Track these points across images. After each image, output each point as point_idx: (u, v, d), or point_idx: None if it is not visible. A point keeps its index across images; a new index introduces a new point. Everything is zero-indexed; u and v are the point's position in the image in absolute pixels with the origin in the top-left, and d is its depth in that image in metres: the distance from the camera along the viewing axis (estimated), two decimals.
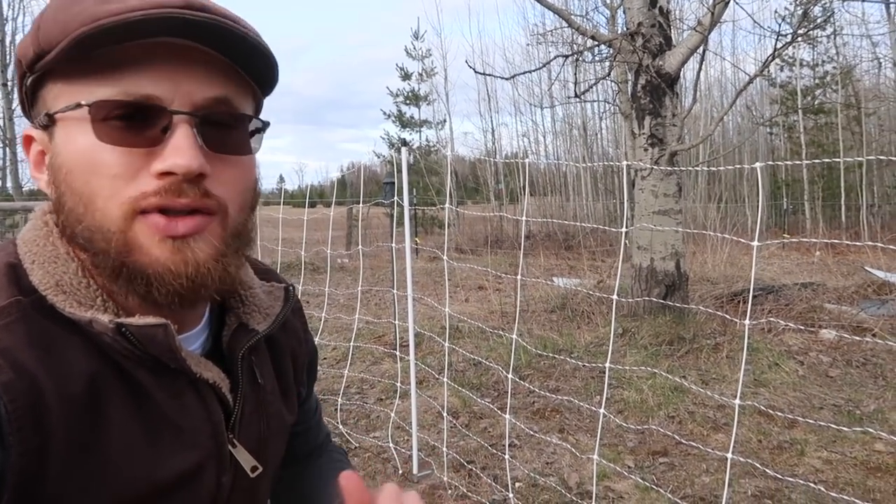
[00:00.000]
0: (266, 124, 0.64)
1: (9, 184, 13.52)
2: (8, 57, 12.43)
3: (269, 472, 0.74)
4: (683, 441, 3.10)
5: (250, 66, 0.60)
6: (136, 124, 0.54)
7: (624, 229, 2.25)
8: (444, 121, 21.35)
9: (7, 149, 13.10)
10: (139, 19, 0.51)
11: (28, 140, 0.62)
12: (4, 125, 12.56)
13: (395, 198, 3.43)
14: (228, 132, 0.59)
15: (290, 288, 0.76)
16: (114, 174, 0.54)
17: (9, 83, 12.37)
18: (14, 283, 0.56)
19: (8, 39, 12.47)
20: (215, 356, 0.67)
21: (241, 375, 0.68)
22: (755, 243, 1.93)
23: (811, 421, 2.70)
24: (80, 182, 0.55)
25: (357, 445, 3.55)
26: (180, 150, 0.54)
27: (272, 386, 0.74)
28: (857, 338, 4.77)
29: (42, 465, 0.51)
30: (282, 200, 5.11)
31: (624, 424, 3.53)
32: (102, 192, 0.54)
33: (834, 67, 19.10)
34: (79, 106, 0.53)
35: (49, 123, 0.57)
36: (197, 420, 0.62)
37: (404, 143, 3.35)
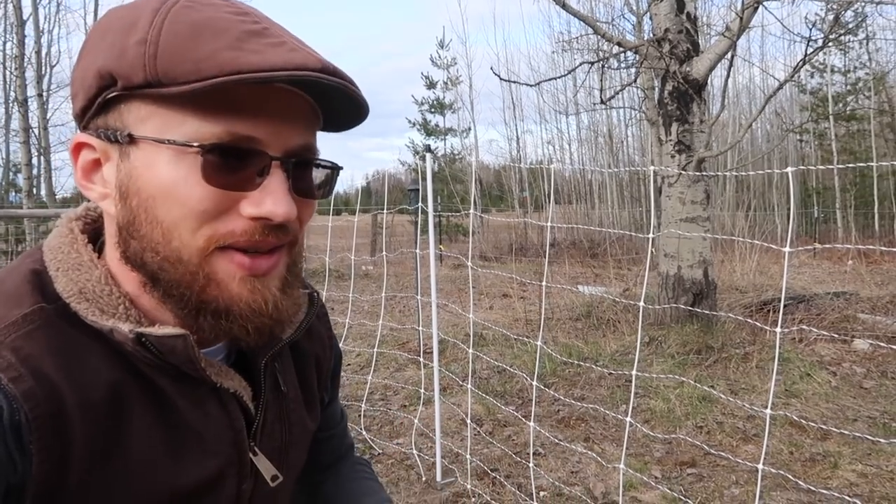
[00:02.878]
0: (340, 169, 0.65)
1: (42, 191, 13.84)
2: (44, 68, 12.74)
3: (290, 480, 0.74)
4: (712, 452, 3.04)
5: (343, 120, 0.62)
6: (234, 166, 0.54)
7: (651, 235, 2.22)
8: (469, 129, 21.38)
9: (42, 157, 13.41)
10: (284, 77, 0.51)
11: (81, 146, 0.59)
12: (39, 134, 12.86)
13: (420, 203, 3.43)
14: (311, 176, 0.60)
15: (315, 294, 0.75)
16: (203, 209, 0.54)
17: (45, 93, 12.67)
18: (38, 290, 0.56)
19: (44, 51, 12.78)
20: (241, 364, 0.68)
21: (264, 383, 0.68)
22: (787, 249, 1.89)
23: (845, 432, 2.63)
24: (163, 211, 0.54)
25: (381, 452, 3.55)
26: (277, 197, 0.55)
27: (295, 393, 0.74)
28: (893, 348, 4.65)
29: (63, 473, 0.51)
30: None
31: (651, 434, 3.48)
32: (186, 224, 0.54)
33: (866, 73, 18.72)
34: (187, 145, 0.53)
35: (125, 141, 0.55)
36: (219, 428, 0.62)
37: (429, 148, 3.36)
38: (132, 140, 0.55)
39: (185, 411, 0.59)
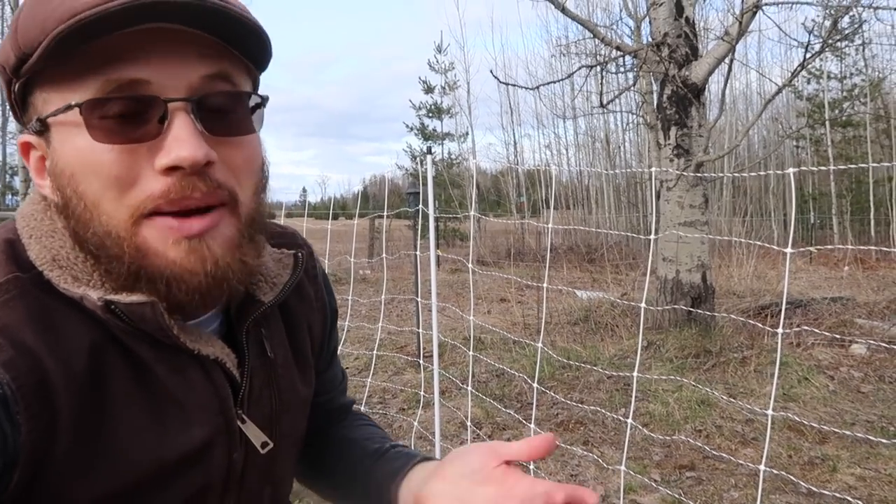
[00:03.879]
0: (265, 98, 0.60)
1: None
2: None
3: (286, 448, 0.72)
4: (712, 455, 3.04)
5: (241, 42, 0.56)
6: (130, 120, 0.51)
7: (652, 237, 2.23)
8: (467, 133, 21.44)
9: None
10: (119, 8, 0.47)
11: (26, 147, 0.59)
12: None
13: (420, 206, 3.43)
14: (228, 113, 0.56)
15: (300, 255, 0.71)
16: (115, 175, 0.52)
17: None
18: (12, 260, 0.55)
19: None
20: (229, 332, 0.66)
21: (248, 349, 0.65)
22: (788, 250, 1.90)
23: (845, 433, 2.63)
24: (84, 185, 0.53)
25: None
26: (182, 140, 0.51)
27: (285, 359, 0.71)
28: (890, 352, 4.66)
29: (51, 442, 0.50)
30: (305, 212, 5.16)
31: (650, 437, 3.48)
32: (107, 194, 0.52)
33: (862, 80, 18.83)
34: (69, 108, 0.51)
35: (43, 129, 0.55)
36: (202, 396, 0.60)
37: (429, 150, 3.36)
38: (44, 125, 0.54)
39: (165, 379, 0.58)
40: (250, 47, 0.57)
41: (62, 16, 0.48)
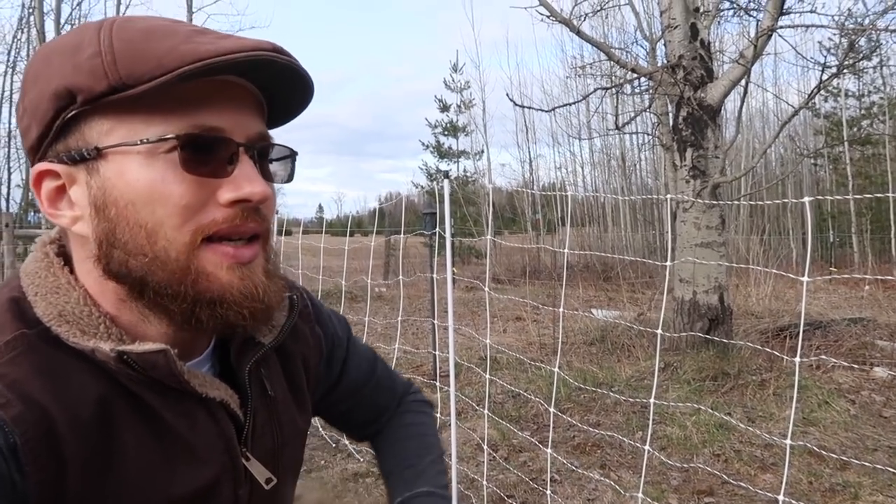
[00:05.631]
0: (295, 153, 0.68)
1: None
2: None
3: (287, 481, 0.75)
4: (730, 481, 3.01)
5: (286, 105, 0.66)
6: (206, 156, 0.57)
7: (669, 263, 2.23)
8: (482, 151, 21.50)
9: None
10: (244, 60, 0.54)
11: (42, 176, 0.59)
12: None
13: (437, 229, 3.46)
14: (267, 162, 0.64)
15: (294, 297, 0.76)
16: (185, 204, 0.56)
17: None
18: (18, 317, 0.57)
19: None
20: (227, 374, 0.69)
21: (250, 389, 0.69)
22: (805, 279, 1.90)
23: (866, 464, 2.60)
24: (145, 213, 0.55)
25: None
26: (251, 178, 0.58)
27: (284, 396, 0.75)
28: None
29: (60, 491, 0.53)
30: (323, 230, 5.20)
31: (667, 462, 3.45)
32: (170, 221, 0.56)
33: (881, 98, 18.68)
34: (163, 140, 0.55)
35: (91, 157, 0.56)
36: (209, 437, 0.63)
37: (447, 175, 3.39)
38: (100, 153, 0.56)
39: (172, 423, 0.60)
40: (293, 113, 0.68)
41: (185, 57, 0.53)
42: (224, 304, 0.58)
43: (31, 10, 13.33)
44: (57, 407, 0.53)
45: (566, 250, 2.39)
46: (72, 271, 0.62)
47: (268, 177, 0.63)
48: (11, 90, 15.40)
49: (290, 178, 0.67)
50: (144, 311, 0.60)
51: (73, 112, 0.56)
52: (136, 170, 0.56)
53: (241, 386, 0.68)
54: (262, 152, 0.62)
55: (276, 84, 0.61)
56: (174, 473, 0.60)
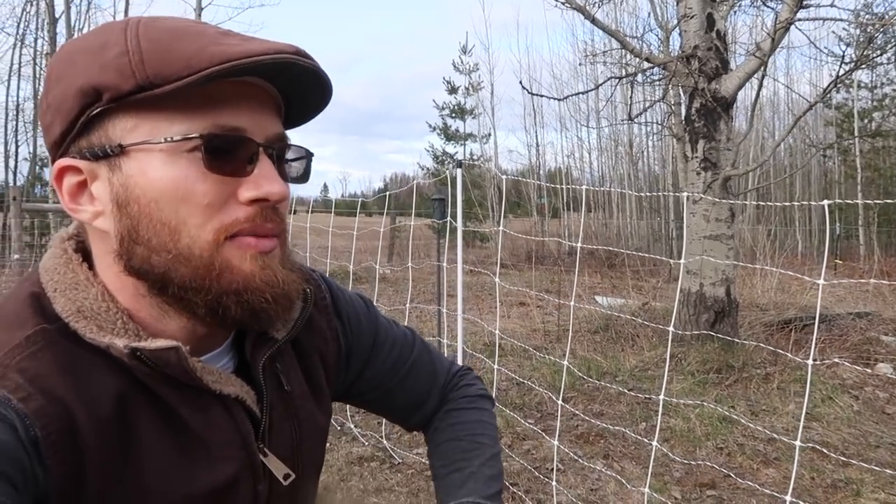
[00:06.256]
0: (311, 154, 0.70)
1: None
2: None
3: (307, 477, 0.75)
4: (733, 475, 3.03)
5: (304, 107, 0.67)
6: (228, 155, 0.57)
7: (683, 261, 2.23)
8: (489, 135, 21.41)
9: None
10: (270, 62, 0.55)
11: (64, 171, 0.60)
12: None
13: (448, 218, 3.46)
14: (284, 162, 0.65)
15: (308, 290, 0.74)
16: (207, 202, 0.57)
17: None
18: (38, 312, 0.58)
19: None
20: (243, 368, 0.69)
21: (266, 385, 0.69)
22: (821, 281, 1.89)
23: (872, 468, 2.62)
24: (168, 211, 0.56)
25: (401, 461, 3.58)
26: (271, 178, 0.60)
27: (301, 390, 0.75)
28: None
29: (80, 486, 0.53)
30: (333, 210, 5.19)
31: (670, 454, 3.47)
32: (193, 219, 0.57)
33: (894, 90, 18.50)
34: (187, 139, 0.56)
35: (114, 154, 0.57)
36: (226, 433, 0.64)
37: (459, 164, 3.36)
38: (123, 151, 0.57)
39: (189, 419, 0.61)
40: (309, 116, 0.70)
41: (213, 58, 0.54)
42: (248, 291, 0.59)
43: None
44: (77, 402, 0.54)
45: (579, 245, 2.38)
46: (90, 267, 0.63)
47: (285, 177, 0.64)
48: (20, 63, 15.35)
49: (305, 179, 0.69)
50: (164, 305, 0.60)
51: (98, 109, 0.57)
52: (159, 167, 0.56)
53: (256, 381, 0.69)
54: (279, 153, 0.63)
55: (295, 86, 0.62)
56: (192, 469, 0.61)
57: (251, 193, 0.58)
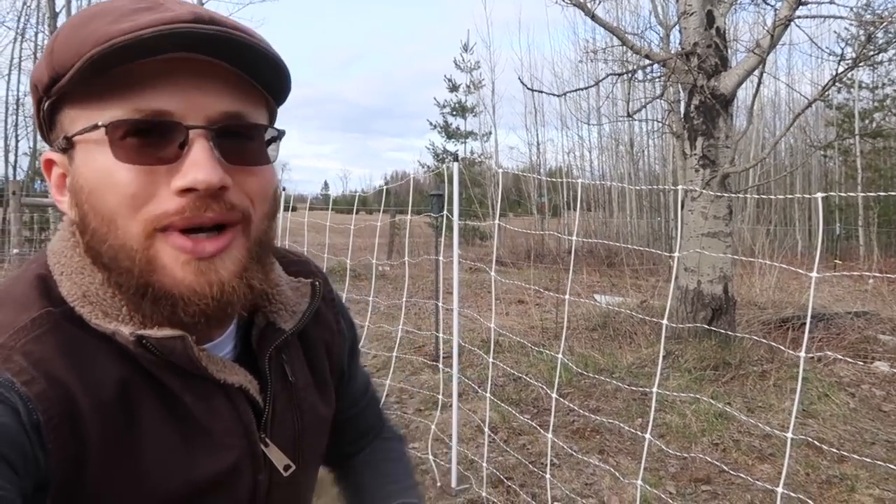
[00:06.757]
0: (282, 133, 0.64)
1: None
2: None
3: (308, 468, 0.75)
4: (728, 470, 3.04)
5: (261, 76, 0.60)
6: (152, 142, 0.54)
7: (677, 254, 2.23)
8: (490, 133, 21.41)
9: None
10: (151, 35, 0.51)
11: (49, 164, 0.62)
12: None
13: (445, 212, 3.46)
14: (245, 143, 0.59)
15: (317, 283, 0.75)
16: (132, 193, 0.54)
17: None
18: (44, 295, 0.58)
19: None
20: (247, 357, 0.69)
21: (270, 375, 0.69)
22: (813, 274, 1.90)
23: (865, 460, 2.62)
24: (101, 202, 0.55)
25: None
26: (199, 164, 0.54)
27: (306, 382, 0.74)
28: None
29: (81, 470, 0.53)
30: (330, 207, 5.18)
31: (666, 449, 3.48)
32: (122, 210, 0.55)
33: (895, 90, 18.49)
34: (95, 127, 0.54)
35: (68, 146, 0.57)
36: (228, 422, 0.63)
37: (456, 157, 3.38)
38: (69, 142, 0.57)
39: (192, 407, 0.61)
40: (271, 81, 0.61)
41: (98, 40, 0.52)
42: (171, 298, 0.56)
43: None
44: (80, 387, 0.54)
45: (574, 237, 2.39)
46: None
47: (241, 159, 0.58)
48: (20, 57, 15.34)
49: (268, 160, 0.63)
50: (116, 289, 0.60)
51: (46, 103, 0.58)
52: (96, 158, 0.56)
53: (261, 371, 0.68)
54: (234, 134, 0.58)
55: (244, 60, 0.57)
56: (193, 457, 0.60)
57: (178, 182, 0.54)
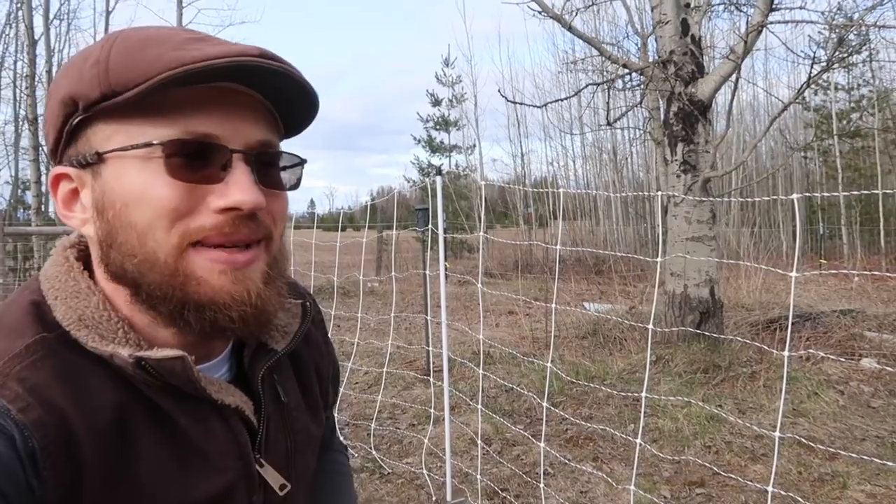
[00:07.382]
0: (305, 161, 0.68)
1: (51, 209, 13.95)
2: None
3: (301, 487, 0.75)
4: (721, 472, 3.05)
5: (295, 112, 0.65)
6: (197, 162, 0.57)
7: (660, 259, 2.26)
8: (474, 146, 21.49)
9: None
10: (226, 66, 0.54)
11: (59, 179, 0.62)
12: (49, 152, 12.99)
13: (430, 225, 3.48)
14: (274, 169, 0.63)
15: (307, 304, 0.77)
16: (174, 207, 0.56)
17: None
18: (38, 321, 0.58)
19: (54, 70, 12.92)
20: (241, 378, 0.70)
21: (264, 396, 0.70)
22: (793, 273, 1.92)
23: (854, 455, 2.64)
24: (136, 215, 0.57)
25: (390, 471, 3.57)
26: (242, 186, 0.58)
27: (297, 402, 0.76)
28: None
29: (76, 495, 0.53)
30: (315, 224, 5.18)
31: (659, 454, 3.49)
32: (158, 223, 0.56)
33: (870, 91, 18.79)
34: (148, 145, 0.56)
35: (95, 161, 0.58)
36: (223, 443, 0.64)
37: (439, 171, 3.42)
38: (101, 158, 0.58)
39: (188, 429, 0.61)
40: (299, 120, 0.67)
41: (169, 64, 0.54)
42: (213, 307, 0.58)
43: (18, 5, 13.20)
44: (76, 412, 0.54)
45: (558, 246, 2.41)
46: (91, 276, 0.63)
47: (272, 184, 0.62)
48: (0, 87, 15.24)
49: (296, 186, 0.68)
50: (151, 312, 0.60)
51: (78, 118, 0.58)
52: (132, 173, 0.57)
53: (254, 392, 0.69)
54: (267, 160, 0.62)
55: (277, 92, 0.61)
56: (189, 479, 0.61)
57: (220, 202, 0.57)
